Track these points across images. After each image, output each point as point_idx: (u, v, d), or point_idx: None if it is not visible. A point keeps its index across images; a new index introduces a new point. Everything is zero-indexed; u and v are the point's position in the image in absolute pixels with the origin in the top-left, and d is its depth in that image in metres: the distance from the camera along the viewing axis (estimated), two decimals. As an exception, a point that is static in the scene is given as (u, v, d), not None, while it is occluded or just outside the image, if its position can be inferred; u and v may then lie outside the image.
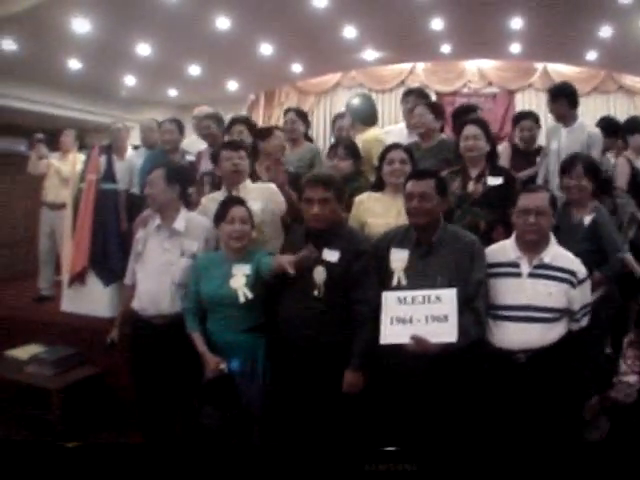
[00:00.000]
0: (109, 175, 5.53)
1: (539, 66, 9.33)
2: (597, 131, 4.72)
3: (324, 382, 3.17)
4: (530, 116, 5.09)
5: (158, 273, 3.56)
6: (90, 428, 4.57)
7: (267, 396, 3.38)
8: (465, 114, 4.89)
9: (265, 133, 4.54)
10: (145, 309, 3.56)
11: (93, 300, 5.36)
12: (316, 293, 3.21)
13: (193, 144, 5.63)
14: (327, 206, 3.24)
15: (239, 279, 3.35)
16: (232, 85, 9.07)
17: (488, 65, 9.57)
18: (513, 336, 3.09)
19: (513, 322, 3.10)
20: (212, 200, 3.75)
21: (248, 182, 3.89)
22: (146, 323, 3.56)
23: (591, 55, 7.77)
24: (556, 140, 4.66)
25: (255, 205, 3.64)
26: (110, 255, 5.37)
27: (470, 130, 3.97)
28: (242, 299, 3.31)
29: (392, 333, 3.00)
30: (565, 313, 3.13)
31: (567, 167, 3.91)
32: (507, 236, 3.39)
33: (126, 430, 4.33)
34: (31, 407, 4.67)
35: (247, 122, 4.93)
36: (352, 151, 4.30)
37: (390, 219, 3.60)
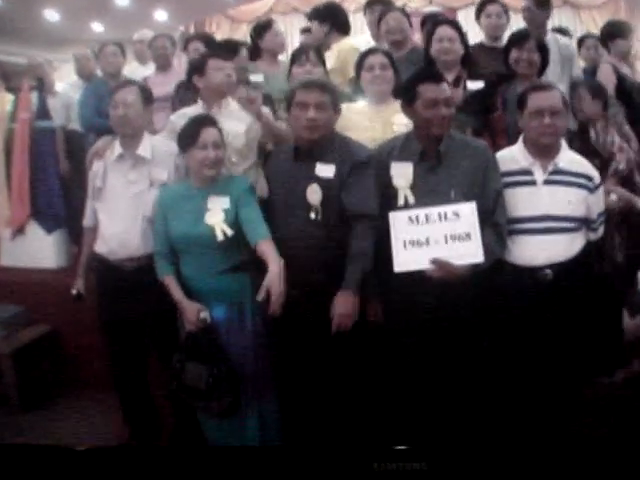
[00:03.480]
0: (43, 112, 5.00)
1: (483, -17, 8.99)
2: (569, 41, 4.60)
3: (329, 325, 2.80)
4: (497, 1, 4.53)
5: (125, 209, 3.08)
6: (48, 395, 4.19)
7: (259, 346, 2.99)
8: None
9: (232, 48, 4.02)
10: (113, 252, 3.10)
11: (36, 250, 4.89)
12: (313, 216, 2.82)
13: (135, 72, 5.17)
14: (324, 112, 2.86)
15: (216, 214, 2.89)
16: (161, 15, 8.59)
17: (430, -16, 9.28)
18: (535, 251, 2.83)
19: (532, 235, 2.85)
20: (182, 117, 3.22)
21: (230, 99, 3.41)
22: (115, 268, 3.12)
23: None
24: None
25: (239, 126, 3.21)
26: (51, 199, 4.90)
27: (445, 31, 3.65)
28: (221, 237, 2.86)
29: (407, 259, 2.67)
30: (584, 222, 2.92)
31: (519, 40, 3.65)
32: (493, 144, 3.25)
33: (90, 394, 4.02)
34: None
35: (205, 38, 4.47)
36: (322, 58, 3.87)
37: (376, 133, 3.22)
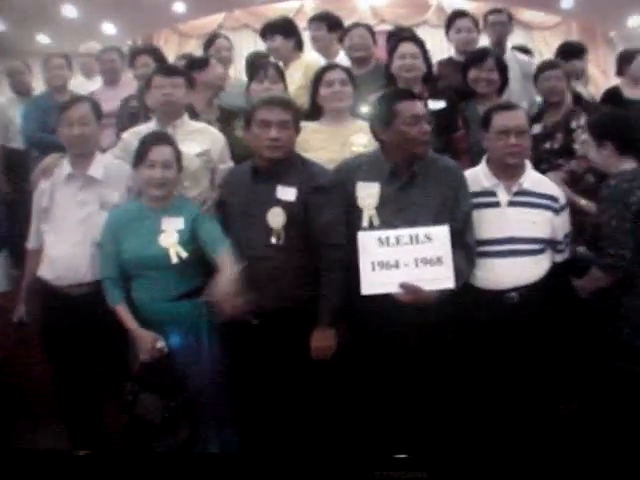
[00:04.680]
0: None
1: (434, 1, 9.19)
2: (527, 58, 4.60)
3: (297, 351, 2.70)
4: (467, 15, 4.53)
5: (74, 232, 2.92)
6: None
7: (217, 374, 2.86)
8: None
9: (201, 62, 3.87)
10: (60, 277, 2.92)
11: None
12: (274, 240, 2.72)
13: (81, 86, 4.98)
14: (286, 131, 2.75)
15: (170, 235, 2.78)
16: (109, 28, 8.33)
17: (381, 2, 9.37)
18: (500, 274, 2.80)
19: (497, 258, 2.81)
20: (135, 136, 3.09)
21: (186, 118, 3.28)
22: (61, 295, 2.94)
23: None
24: None
25: (192, 147, 3.08)
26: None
27: (407, 48, 3.58)
28: (175, 259, 2.75)
29: (375, 281, 2.58)
30: (550, 244, 2.89)
31: (478, 59, 3.66)
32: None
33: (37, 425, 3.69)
34: None
35: (154, 53, 4.31)
36: (282, 75, 3.74)
37: (334, 153, 3.13)
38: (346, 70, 3.39)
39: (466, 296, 2.76)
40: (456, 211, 2.73)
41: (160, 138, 2.88)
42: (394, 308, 2.57)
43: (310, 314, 2.71)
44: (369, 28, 4.28)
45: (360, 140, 3.15)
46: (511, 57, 4.46)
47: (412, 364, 2.69)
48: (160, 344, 2.74)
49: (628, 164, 2.90)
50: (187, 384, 2.78)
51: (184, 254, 2.76)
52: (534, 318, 2.78)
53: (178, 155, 2.87)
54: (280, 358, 2.71)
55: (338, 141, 3.20)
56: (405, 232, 2.60)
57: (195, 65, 3.75)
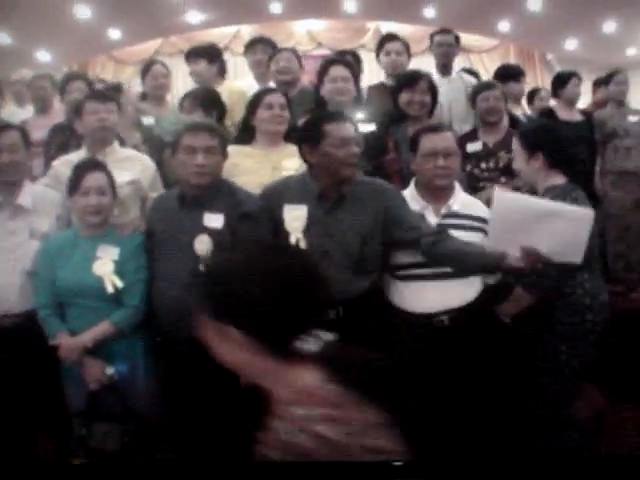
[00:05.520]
0: None
1: (371, 25, 9.30)
2: (474, 80, 4.66)
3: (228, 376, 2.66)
4: (397, 38, 4.55)
5: (3, 261, 2.87)
6: None
7: (155, 404, 2.82)
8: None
9: (115, 88, 3.89)
10: None
11: None
12: (202, 268, 2.66)
13: (13, 115, 4.83)
14: (213, 157, 2.73)
15: (106, 264, 2.74)
16: (43, 56, 8.25)
17: (318, 26, 9.48)
18: (430, 297, 2.77)
19: (427, 281, 2.78)
20: (66, 164, 3.05)
21: (117, 145, 3.25)
22: None
23: (429, 12, 7.72)
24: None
25: (122, 176, 3.02)
26: None
27: (339, 71, 3.60)
28: (110, 289, 2.72)
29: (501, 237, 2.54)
30: None
31: (410, 82, 3.66)
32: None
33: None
34: None
35: (86, 79, 4.29)
36: (204, 101, 3.69)
37: (264, 177, 3.08)
38: (285, 95, 3.40)
39: (396, 319, 2.78)
40: (403, 223, 2.71)
41: (93, 165, 2.85)
42: None
43: None
44: (295, 52, 4.34)
45: (291, 164, 3.14)
46: (457, 78, 4.57)
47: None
48: (110, 371, 2.68)
49: (557, 179, 2.92)
50: (137, 408, 2.74)
51: (120, 284, 2.73)
52: (465, 341, 2.74)
53: (112, 181, 2.84)
54: (209, 385, 2.63)
55: (270, 165, 3.18)
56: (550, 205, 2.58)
57: (109, 91, 3.73)
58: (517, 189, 3.39)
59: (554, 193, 2.84)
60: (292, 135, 3.25)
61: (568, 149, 3.12)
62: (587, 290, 2.89)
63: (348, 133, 2.71)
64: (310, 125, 2.80)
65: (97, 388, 2.68)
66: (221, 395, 2.62)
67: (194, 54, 4.44)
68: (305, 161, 2.82)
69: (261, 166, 3.19)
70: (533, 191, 3.05)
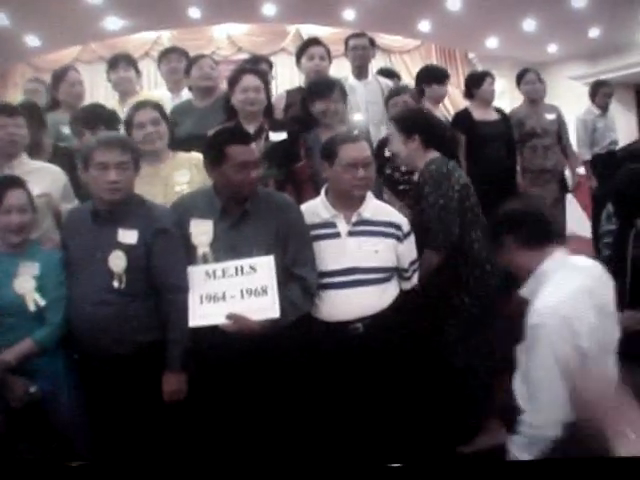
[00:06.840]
0: None
1: (292, 29, 9.29)
2: (390, 82, 4.65)
3: (147, 393, 2.62)
4: (320, 43, 4.46)
5: None
6: None
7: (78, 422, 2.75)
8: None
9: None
10: None
11: None
12: (117, 284, 2.63)
13: None
14: (125, 172, 2.66)
15: (27, 281, 2.67)
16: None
17: (238, 31, 9.42)
18: (344, 305, 2.77)
19: (340, 289, 2.78)
20: None
21: (25, 157, 3.15)
22: None
23: (349, 15, 7.73)
24: (354, 95, 4.32)
25: (33, 189, 2.91)
26: None
27: (250, 81, 3.51)
28: (32, 307, 2.65)
29: (204, 313, 2.61)
30: (395, 271, 2.88)
31: (324, 91, 3.63)
32: (298, 195, 3.27)
33: None
34: None
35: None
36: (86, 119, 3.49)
37: (157, 196, 3.01)
38: (157, 106, 3.26)
39: (312, 327, 2.76)
40: (288, 245, 2.72)
41: (13, 182, 2.77)
42: (230, 339, 2.56)
43: (152, 360, 2.63)
44: (212, 59, 4.28)
45: (182, 179, 3.11)
46: (373, 81, 4.56)
47: (250, 393, 2.65)
48: (33, 389, 2.61)
49: (434, 154, 3.20)
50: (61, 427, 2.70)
51: (42, 302, 2.66)
52: (380, 348, 2.75)
53: (31, 198, 2.77)
54: (125, 402, 2.63)
55: (160, 182, 3.11)
56: (231, 264, 2.63)
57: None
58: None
59: (435, 163, 3.14)
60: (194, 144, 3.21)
61: (439, 131, 3.38)
62: (483, 245, 3.13)
63: (249, 157, 2.68)
64: (212, 145, 2.75)
65: (19, 407, 2.60)
66: (139, 412, 2.63)
67: (123, 61, 4.41)
68: (209, 176, 2.79)
69: (152, 185, 3.07)
70: (411, 170, 3.43)
